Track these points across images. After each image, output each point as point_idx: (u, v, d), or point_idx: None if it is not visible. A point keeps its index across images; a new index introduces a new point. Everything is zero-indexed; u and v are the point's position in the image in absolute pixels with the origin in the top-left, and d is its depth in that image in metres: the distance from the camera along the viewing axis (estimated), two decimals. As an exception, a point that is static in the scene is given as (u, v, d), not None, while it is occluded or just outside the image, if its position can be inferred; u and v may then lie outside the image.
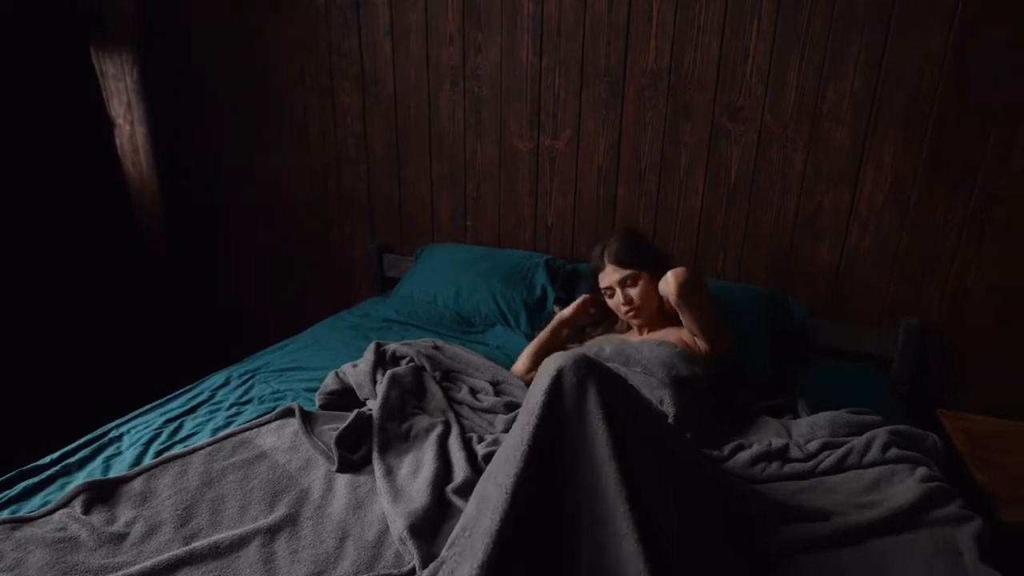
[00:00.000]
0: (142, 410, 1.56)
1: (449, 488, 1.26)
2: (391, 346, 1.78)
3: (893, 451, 1.34)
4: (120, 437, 1.44)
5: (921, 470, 1.31)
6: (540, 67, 2.12)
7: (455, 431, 1.46)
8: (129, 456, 1.37)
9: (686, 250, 2.10)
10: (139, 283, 2.73)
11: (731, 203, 2.01)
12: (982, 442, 1.70)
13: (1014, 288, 1.77)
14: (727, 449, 1.40)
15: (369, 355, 1.71)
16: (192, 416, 1.54)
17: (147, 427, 1.48)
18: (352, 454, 1.37)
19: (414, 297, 2.21)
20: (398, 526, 1.14)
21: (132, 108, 2.78)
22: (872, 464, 1.33)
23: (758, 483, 1.31)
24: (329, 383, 1.63)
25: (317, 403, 1.60)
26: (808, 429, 1.45)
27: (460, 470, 1.31)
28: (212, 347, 2.91)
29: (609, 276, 1.68)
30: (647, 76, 1.99)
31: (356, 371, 1.65)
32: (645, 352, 1.55)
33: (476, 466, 1.34)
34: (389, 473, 1.31)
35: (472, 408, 1.60)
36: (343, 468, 1.34)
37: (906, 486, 1.27)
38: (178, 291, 2.88)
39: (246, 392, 1.66)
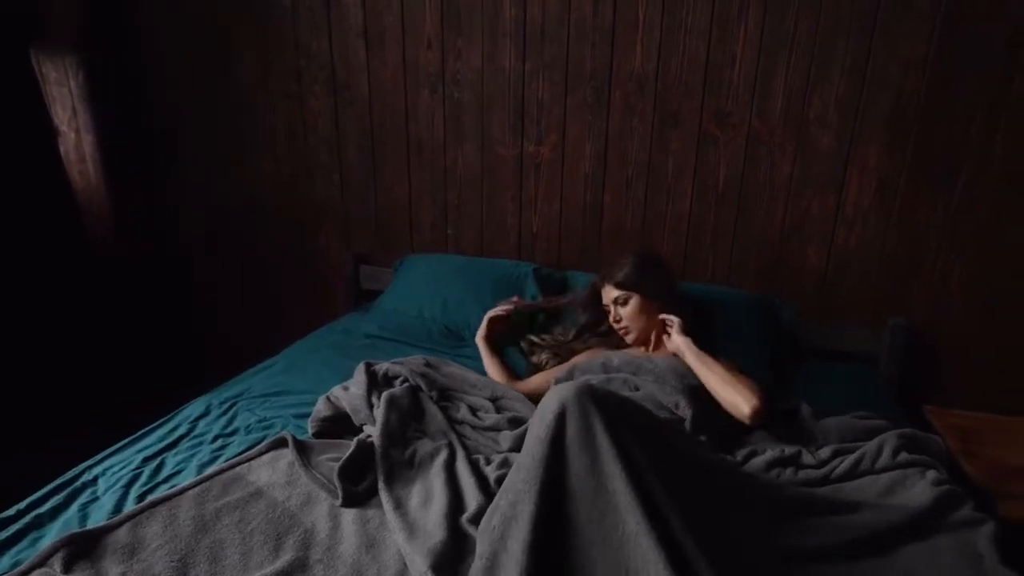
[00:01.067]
0: (115, 447, 1.44)
1: (464, 519, 1.19)
2: (382, 366, 1.69)
3: (903, 456, 1.35)
4: (95, 480, 1.31)
5: (931, 474, 1.32)
6: (523, 72, 2.07)
7: (461, 454, 1.39)
8: (108, 502, 1.24)
9: (675, 256, 2.09)
10: (90, 300, 2.53)
11: (720, 208, 2.01)
12: (971, 437, 1.75)
13: (994, 286, 1.83)
14: (741, 455, 1.39)
15: (360, 376, 1.62)
16: (173, 452, 1.42)
17: (124, 467, 1.36)
18: (356, 486, 1.29)
19: (398, 311, 2.13)
20: (419, 566, 1.07)
21: (77, 115, 2.58)
22: (884, 469, 1.34)
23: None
24: (321, 409, 1.53)
25: (310, 431, 1.51)
26: (819, 435, 1.45)
27: (472, 498, 1.25)
28: (178, 368, 2.75)
29: (607, 294, 1.76)
30: (633, 81, 1.97)
31: (349, 395, 1.56)
32: (658, 363, 1.53)
33: (488, 491, 1.28)
34: (399, 506, 1.23)
35: (474, 427, 1.54)
36: (348, 502, 1.25)
37: (919, 490, 1.28)
38: (135, 307, 2.69)
39: (230, 422, 1.55)
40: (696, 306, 1.87)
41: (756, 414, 1.38)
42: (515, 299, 1.94)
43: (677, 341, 1.58)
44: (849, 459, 1.36)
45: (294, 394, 1.69)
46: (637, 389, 1.51)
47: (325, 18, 2.22)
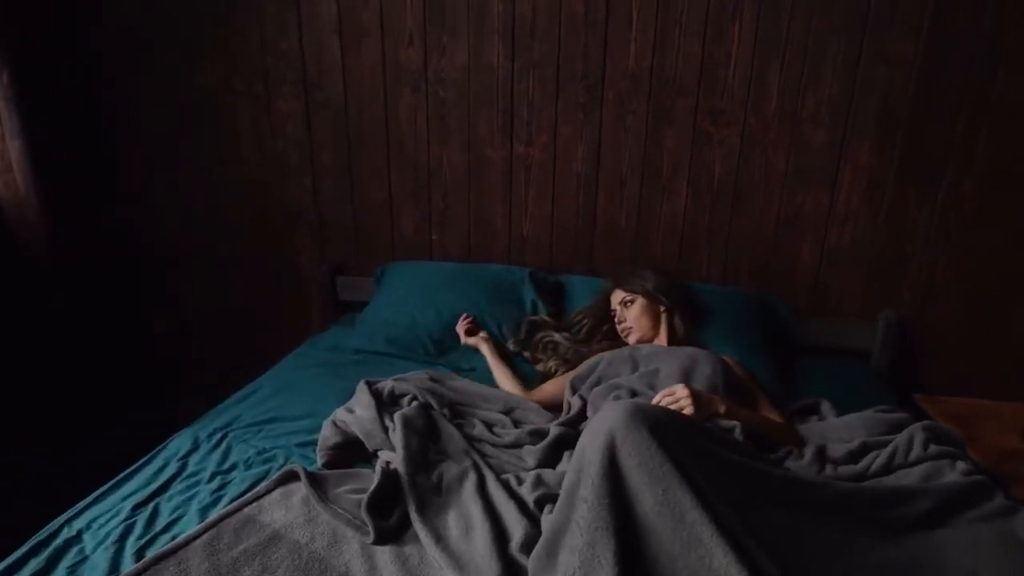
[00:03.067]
0: (96, 495, 1.26)
1: (513, 548, 1.11)
2: (385, 384, 1.58)
3: (933, 447, 1.37)
4: (79, 536, 1.15)
5: (960, 464, 1.34)
6: (512, 70, 2.00)
7: (489, 476, 1.31)
8: (101, 561, 1.08)
9: (670, 256, 2.07)
10: (28, 321, 2.26)
11: (715, 207, 2.00)
12: (966, 423, 1.81)
13: (977, 278, 1.91)
14: (781, 453, 1.37)
15: (365, 397, 1.51)
16: (167, 495, 1.26)
17: (111, 517, 1.19)
18: (386, 520, 1.18)
19: (388, 323, 2.00)
20: (481, 605, 0.98)
21: (2, 120, 2.31)
22: (917, 461, 1.34)
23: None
24: (329, 436, 1.41)
25: (319, 461, 1.38)
26: (846, 431, 1.45)
27: (516, 523, 1.16)
28: (141, 393, 2.50)
29: (614, 298, 1.81)
30: (627, 79, 1.93)
31: (358, 418, 1.44)
32: (687, 353, 1.54)
33: (529, 513, 1.20)
34: (440, 539, 1.13)
35: (494, 445, 1.46)
36: (381, 539, 1.14)
37: (952, 480, 1.29)
38: (87, 327, 2.43)
39: (224, 456, 1.40)
40: (698, 308, 1.86)
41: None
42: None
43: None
44: (883, 454, 1.36)
45: (290, 420, 1.55)
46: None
47: (295, 14, 2.07)
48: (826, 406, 1.60)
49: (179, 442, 1.45)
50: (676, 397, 1.36)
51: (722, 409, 1.38)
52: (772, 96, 1.86)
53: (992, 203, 1.85)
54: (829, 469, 1.34)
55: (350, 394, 1.65)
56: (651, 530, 0.92)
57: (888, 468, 1.35)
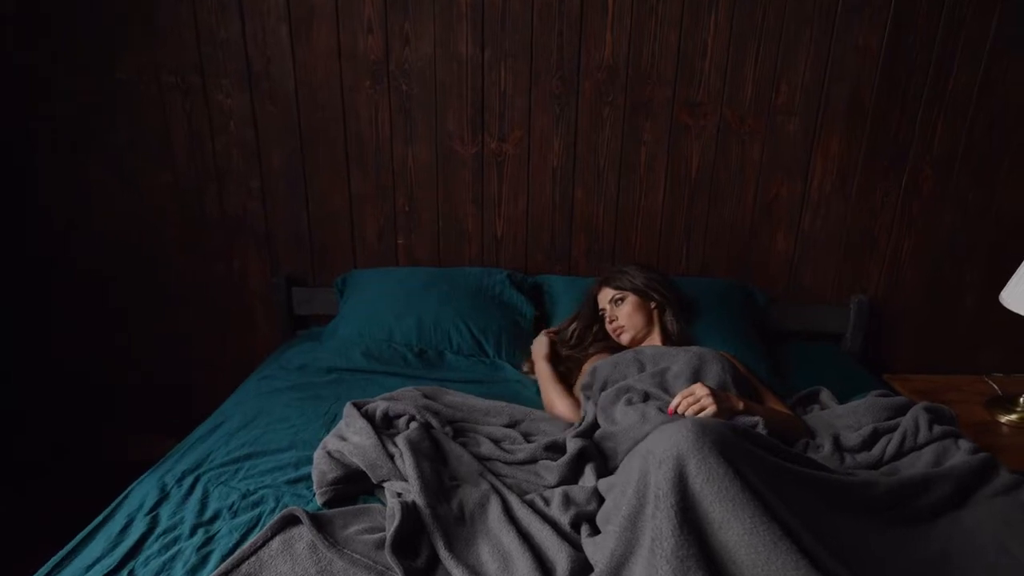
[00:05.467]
0: (49, 568, 1.04)
1: (561, 576, 1.02)
2: (376, 404, 1.44)
3: (937, 428, 1.40)
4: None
5: (963, 443, 1.37)
6: (482, 61, 1.88)
7: (512, 499, 1.20)
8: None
9: (649, 250, 2.04)
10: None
11: (693, 199, 1.98)
12: (933, 398, 1.88)
13: (934, 259, 2.00)
14: (798, 446, 1.36)
15: (359, 421, 1.36)
16: (141, 559, 1.07)
17: (77, 595, 0.99)
18: (412, 561, 1.05)
19: (361, 336, 1.84)
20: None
21: None
22: (926, 443, 1.37)
23: (840, 471, 1.27)
24: (327, 470, 1.25)
25: (318, 500, 1.22)
26: (852, 418, 1.46)
27: (557, 550, 1.07)
28: (72, 431, 2.19)
29: (603, 297, 1.75)
30: (603, 70, 1.87)
31: (358, 446, 1.29)
32: (691, 352, 1.49)
33: (567, 537, 1.10)
34: (479, 576, 1.02)
35: (507, 463, 1.35)
36: (411, 584, 1.01)
37: (961, 458, 1.32)
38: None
39: (203, 504, 1.21)
40: (686, 302, 1.83)
41: None
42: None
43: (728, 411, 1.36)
44: (894, 438, 1.37)
45: (271, 454, 1.37)
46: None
47: (234, -3, 1.85)
48: (826, 394, 1.62)
49: (143, 491, 1.24)
50: (696, 397, 1.31)
51: (740, 406, 1.34)
52: (748, 87, 1.86)
53: (945, 187, 1.94)
54: (848, 458, 1.35)
55: (334, 419, 1.50)
56: (739, 561, 0.86)
57: (900, 451, 1.37)
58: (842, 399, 1.61)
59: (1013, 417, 1.79)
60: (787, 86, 1.86)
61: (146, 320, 2.16)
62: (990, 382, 1.96)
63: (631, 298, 1.71)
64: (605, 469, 1.31)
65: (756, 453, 0.99)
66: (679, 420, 1.29)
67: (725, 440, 0.94)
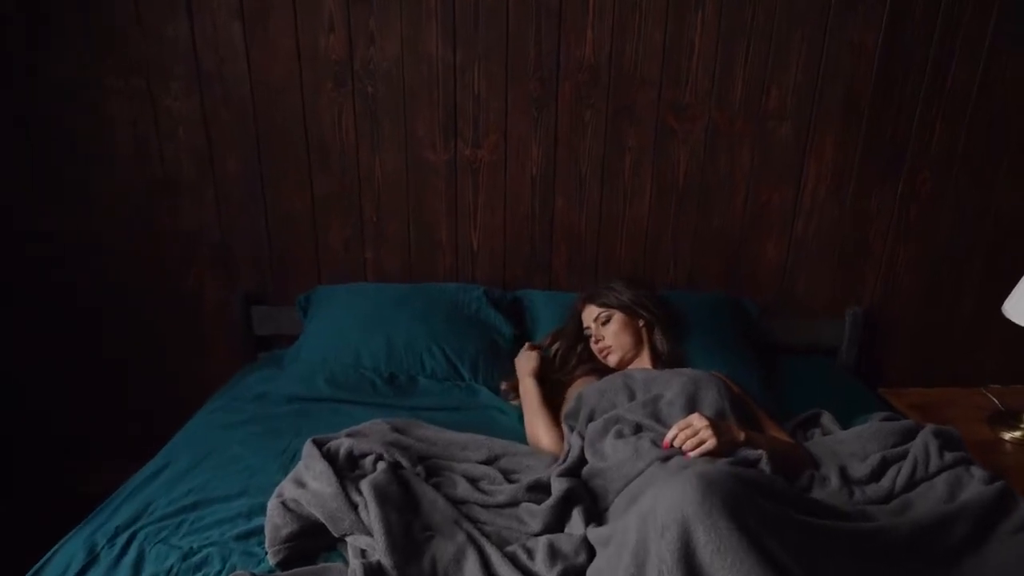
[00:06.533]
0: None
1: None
2: (339, 442, 1.29)
3: (948, 455, 1.30)
4: None
5: (976, 470, 1.28)
6: (454, 62, 1.75)
7: (492, 552, 1.07)
8: None
9: (634, 262, 1.92)
10: None
11: (680, 207, 1.87)
12: (930, 414, 1.80)
13: (933, 260, 1.92)
14: (803, 479, 1.25)
15: (319, 464, 1.21)
16: (60, 644, 0.91)
17: None
18: (377, 636, 0.91)
19: (326, 360, 1.69)
20: None
21: None
22: (938, 471, 1.27)
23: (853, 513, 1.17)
24: (281, 524, 1.10)
25: (271, 560, 1.07)
26: (858, 445, 1.36)
27: (542, 614, 0.94)
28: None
29: (587, 315, 1.62)
30: (585, 71, 1.75)
31: (316, 495, 1.14)
32: (685, 375, 1.39)
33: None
34: (454, 654, 0.88)
35: (485, 506, 1.22)
36: (376, 665, 0.87)
37: (976, 489, 1.23)
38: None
39: (136, 570, 1.06)
40: (676, 319, 1.72)
41: None
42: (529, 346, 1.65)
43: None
44: (904, 468, 1.27)
45: (220, 502, 1.22)
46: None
47: (181, -9, 1.69)
48: (827, 417, 1.51)
49: (69, 552, 1.09)
50: (695, 429, 1.19)
51: (742, 437, 1.23)
52: (738, 87, 1.75)
53: (943, 189, 1.85)
54: (857, 491, 1.24)
55: (293, 457, 1.36)
56: None
57: (911, 482, 1.27)
58: (840, 417, 1.51)
59: (1017, 434, 1.70)
60: (779, 87, 1.75)
61: (91, 344, 1.98)
62: (989, 395, 1.88)
63: (618, 316, 1.59)
64: (595, 510, 1.19)
65: (770, 511, 0.87)
66: (676, 458, 1.17)
67: (736, 499, 0.82)
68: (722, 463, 1.10)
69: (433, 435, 1.39)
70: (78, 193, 1.84)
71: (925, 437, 1.34)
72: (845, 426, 1.49)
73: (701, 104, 1.77)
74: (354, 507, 1.12)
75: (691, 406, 1.32)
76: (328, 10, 1.70)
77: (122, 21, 1.70)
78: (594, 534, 1.04)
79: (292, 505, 1.14)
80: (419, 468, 1.27)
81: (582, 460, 1.29)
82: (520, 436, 1.47)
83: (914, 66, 1.73)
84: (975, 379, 1.96)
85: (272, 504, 1.15)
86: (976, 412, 1.83)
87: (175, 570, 1.05)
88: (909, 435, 1.38)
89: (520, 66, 1.75)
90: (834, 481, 1.24)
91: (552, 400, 1.53)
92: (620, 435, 1.28)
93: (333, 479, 1.17)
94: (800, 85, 1.75)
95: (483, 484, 1.27)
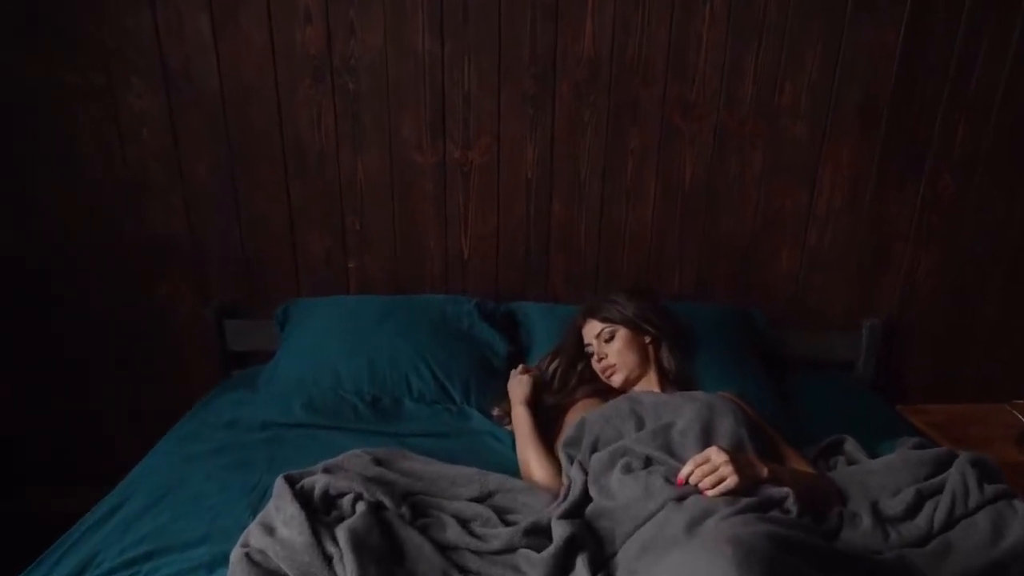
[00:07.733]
0: None
1: None
2: (315, 479, 1.15)
3: (988, 488, 1.18)
4: None
5: (1020, 505, 1.16)
6: (442, 56, 1.62)
7: (485, 609, 0.93)
8: None
9: (638, 271, 1.80)
10: None
11: (686, 212, 1.75)
12: (952, 432, 1.68)
13: (954, 276, 1.80)
14: (832, 519, 1.12)
15: (290, 507, 1.07)
16: None
17: None
18: None
19: (303, 381, 1.55)
20: None
21: None
22: (978, 506, 1.15)
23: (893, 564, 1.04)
24: (243, 578, 0.96)
25: (232, 623, 0.93)
26: (888, 476, 1.23)
27: None
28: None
29: (589, 331, 1.50)
30: (584, 67, 1.62)
31: (285, 545, 1.00)
32: (699, 399, 1.27)
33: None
34: None
35: (477, 552, 1.08)
36: None
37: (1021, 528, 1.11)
38: None
39: (77, 635, 0.91)
40: (684, 334, 1.59)
41: None
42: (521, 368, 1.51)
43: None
44: (942, 504, 1.16)
45: (178, 551, 1.08)
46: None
47: (143, -20, 1.55)
48: (851, 444, 1.38)
49: (-4, 618, 0.94)
50: (714, 465, 1.06)
51: (764, 473, 1.10)
52: (748, 85, 1.63)
53: (965, 194, 1.74)
54: (892, 532, 1.12)
55: (264, 494, 1.21)
56: None
57: (951, 519, 1.15)
58: (859, 438, 1.39)
59: (1050, 456, 1.59)
60: (792, 85, 1.63)
61: (54, 361, 1.83)
62: (1015, 412, 1.76)
63: (622, 332, 1.45)
64: (600, 556, 1.06)
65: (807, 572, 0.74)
66: (693, 498, 1.04)
67: (775, 569, 0.68)
68: (746, 505, 0.97)
69: (420, 468, 1.25)
70: (45, 198, 1.69)
71: (962, 467, 1.21)
72: (869, 451, 1.37)
73: (709, 102, 1.65)
74: (328, 560, 0.98)
75: (706, 435, 1.19)
76: (305, 0, 1.56)
77: (79, 9, 1.56)
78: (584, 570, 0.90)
79: (258, 557, 1.00)
80: (403, 508, 1.13)
81: (585, 498, 1.15)
82: (515, 465, 1.33)
83: (937, 65, 1.61)
84: (1000, 393, 1.84)
85: (235, 556, 1.01)
86: (1004, 431, 1.71)
87: (121, 637, 0.91)
88: (943, 464, 1.26)
89: (514, 61, 1.62)
90: (866, 520, 1.12)
91: (550, 426, 1.40)
92: (628, 469, 1.15)
93: (305, 526, 1.02)
94: (815, 83, 1.63)
95: (475, 526, 1.14)
